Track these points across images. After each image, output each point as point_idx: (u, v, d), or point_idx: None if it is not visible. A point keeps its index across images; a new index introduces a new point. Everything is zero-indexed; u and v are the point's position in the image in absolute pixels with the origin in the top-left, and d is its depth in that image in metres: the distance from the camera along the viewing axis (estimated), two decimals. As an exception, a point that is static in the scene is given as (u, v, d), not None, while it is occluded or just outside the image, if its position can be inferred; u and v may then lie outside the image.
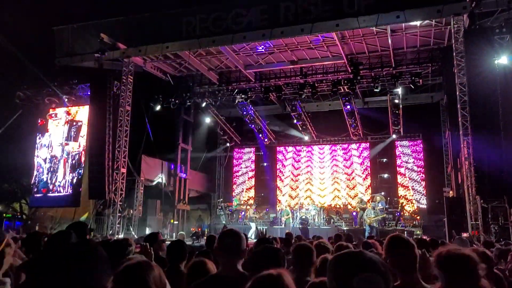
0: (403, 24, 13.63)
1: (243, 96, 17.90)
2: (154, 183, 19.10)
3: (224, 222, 19.37)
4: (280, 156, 23.23)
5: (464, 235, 11.74)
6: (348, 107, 18.23)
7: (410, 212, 19.72)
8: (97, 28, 15.69)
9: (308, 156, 22.65)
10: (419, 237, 13.81)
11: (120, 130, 15.97)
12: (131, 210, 16.94)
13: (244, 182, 23.48)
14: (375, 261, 1.59)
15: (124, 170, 16.00)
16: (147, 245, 3.62)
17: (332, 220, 18.57)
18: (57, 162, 19.36)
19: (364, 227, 15.86)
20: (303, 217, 17.72)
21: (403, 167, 20.89)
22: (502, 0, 11.88)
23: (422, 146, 20.75)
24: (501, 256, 5.06)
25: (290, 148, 23.12)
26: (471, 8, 11.83)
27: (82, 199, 18.25)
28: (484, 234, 11.42)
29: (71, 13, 18.94)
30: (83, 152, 18.60)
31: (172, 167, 20.31)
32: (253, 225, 17.59)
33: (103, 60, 15.92)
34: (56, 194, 19.07)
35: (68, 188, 18.88)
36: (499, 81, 12.22)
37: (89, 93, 17.92)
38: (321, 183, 21.95)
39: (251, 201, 22.36)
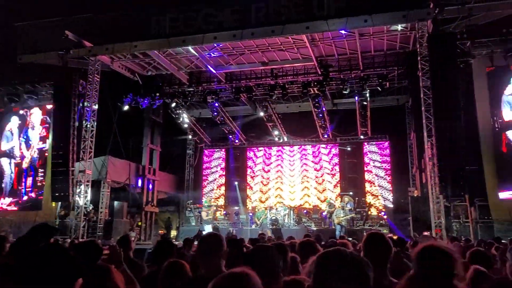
0: (371, 29, 14.00)
1: (213, 96, 17.77)
2: (121, 185, 18.61)
3: (193, 224, 19.15)
4: (250, 157, 23.24)
5: (425, 233, 12.20)
6: (318, 108, 18.49)
7: (377, 211, 20.21)
8: (62, 24, 15.12)
9: (278, 157, 22.78)
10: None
11: (86, 131, 15.46)
12: (97, 213, 16.39)
13: (214, 183, 23.30)
14: (354, 258, 1.60)
15: (89, 172, 15.49)
16: (116, 247, 3.53)
17: (302, 221, 18.75)
18: (15, 167, 18.53)
19: (333, 227, 16.12)
20: (273, 217, 17.79)
21: (370, 167, 21.40)
22: (463, 8, 12.47)
23: (388, 147, 21.34)
24: (463, 252, 5.25)
25: (260, 149, 23.16)
26: (435, 14, 12.33)
27: (44, 202, 17.51)
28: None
29: (34, 9, 18.16)
30: (45, 155, 17.86)
31: (140, 168, 19.87)
32: (208, 227, 17.33)
33: (68, 58, 15.37)
34: (15, 199, 18.22)
35: (27, 194, 18.09)
36: (461, 85, 12.82)
37: (52, 92, 17.26)
38: (291, 184, 22.13)
39: (221, 203, 22.24)
